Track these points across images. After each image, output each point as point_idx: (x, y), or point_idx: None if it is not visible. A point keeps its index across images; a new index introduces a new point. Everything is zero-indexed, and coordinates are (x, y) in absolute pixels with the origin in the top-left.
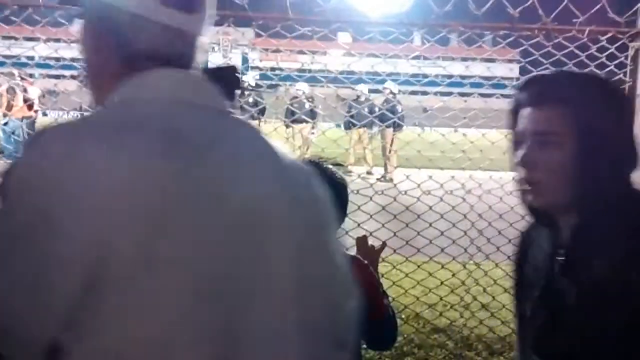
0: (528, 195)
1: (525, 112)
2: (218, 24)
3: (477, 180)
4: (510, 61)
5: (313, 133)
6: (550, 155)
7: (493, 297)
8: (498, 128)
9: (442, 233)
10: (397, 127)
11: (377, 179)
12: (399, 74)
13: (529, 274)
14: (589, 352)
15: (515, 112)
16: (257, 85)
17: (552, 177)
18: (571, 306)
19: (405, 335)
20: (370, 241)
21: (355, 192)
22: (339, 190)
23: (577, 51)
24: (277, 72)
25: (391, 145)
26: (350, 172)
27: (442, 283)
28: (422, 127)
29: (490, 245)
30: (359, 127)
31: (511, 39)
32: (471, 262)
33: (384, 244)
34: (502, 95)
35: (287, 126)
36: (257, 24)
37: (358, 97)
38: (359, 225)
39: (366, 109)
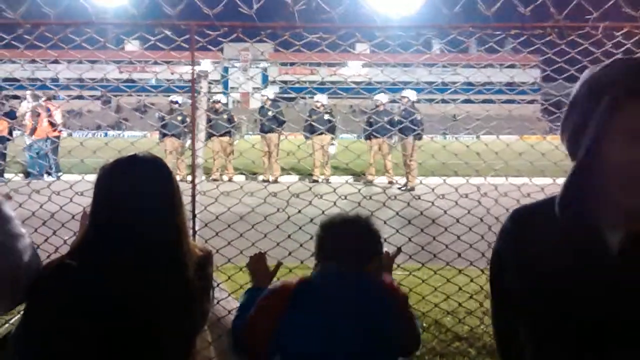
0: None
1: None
2: (228, 35)
3: (494, 185)
4: (530, 66)
5: (333, 144)
6: None
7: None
8: (521, 134)
9: (458, 237)
10: (416, 136)
11: (399, 189)
12: (418, 84)
13: (550, 273)
14: None
15: (613, 107)
16: (276, 100)
17: None
18: None
19: (427, 344)
20: (389, 250)
21: (378, 202)
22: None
23: (591, 48)
24: (297, 85)
25: (411, 154)
26: (371, 182)
27: (460, 289)
28: (444, 136)
29: None
30: (379, 138)
31: (530, 48)
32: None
33: (398, 250)
34: (523, 101)
35: (307, 138)
36: (275, 42)
37: (377, 107)
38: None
39: (385, 119)
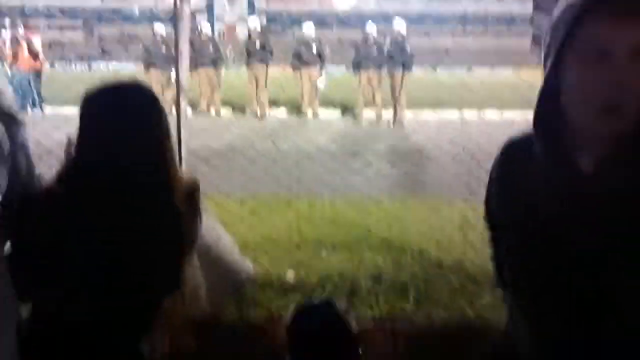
0: (606, 121)
1: (609, 22)
2: None
3: (485, 119)
4: None
5: (322, 78)
6: None
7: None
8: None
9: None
10: (406, 67)
11: (388, 123)
12: (407, 13)
13: (524, 198)
14: None
15: (577, 24)
16: (264, 31)
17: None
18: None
19: (410, 271)
20: (380, 182)
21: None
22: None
23: None
24: (285, 15)
25: (400, 86)
26: (359, 116)
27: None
28: (434, 68)
29: None
30: (368, 70)
31: None
32: (474, 199)
33: None
34: (515, 33)
35: (295, 69)
36: None
37: (366, 38)
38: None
39: (375, 51)
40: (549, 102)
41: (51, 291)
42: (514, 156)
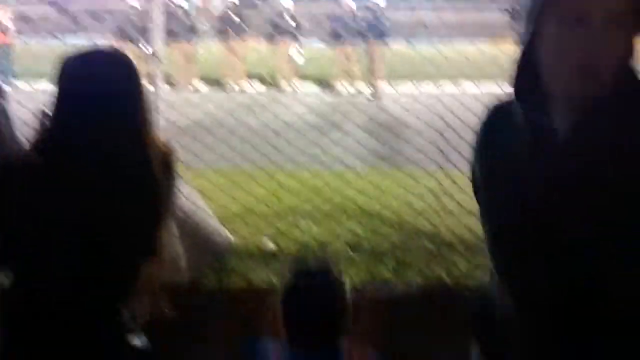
0: (580, 83)
1: None
2: None
3: (462, 90)
4: None
5: (299, 48)
6: (619, 38)
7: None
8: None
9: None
10: (382, 38)
11: (366, 96)
12: None
13: (502, 161)
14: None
15: None
16: (240, 2)
17: (615, 63)
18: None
19: (388, 239)
20: (358, 155)
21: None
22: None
23: None
24: None
25: (378, 59)
26: (337, 91)
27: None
28: (411, 42)
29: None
30: (345, 42)
31: None
32: (450, 169)
33: None
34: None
35: (271, 43)
36: None
37: (343, 11)
38: None
39: (352, 23)
40: (526, 66)
41: (29, 259)
42: (495, 120)
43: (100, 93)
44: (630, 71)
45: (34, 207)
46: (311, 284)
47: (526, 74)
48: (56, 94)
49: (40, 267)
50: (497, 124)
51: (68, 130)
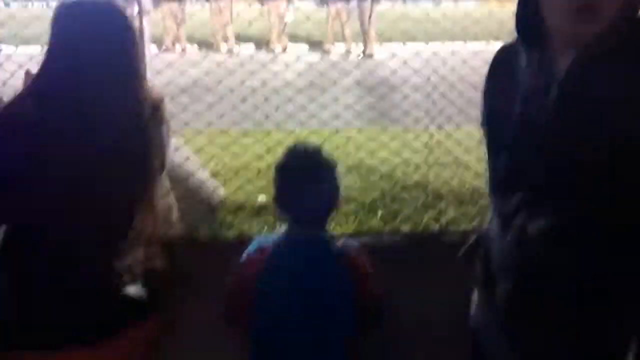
0: (581, 21)
1: None
2: None
3: (450, 50)
4: None
5: (289, 9)
6: None
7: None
8: None
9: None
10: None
11: (357, 56)
12: None
13: (505, 96)
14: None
15: None
16: None
17: (615, 3)
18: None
19: (378, 191)
20: (350, 115)
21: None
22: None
23: None
24: None
25: (369, 20)
26: (328, 51)
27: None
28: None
29: (472, 109)
30: (336, 3)
31: None
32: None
33: None
34: None
35: (262, 3)
36: None
37: None
38: None
39: None
40: (528, 6)
41: (22, 211)
42: (502, 58)
43: (93, 36)
44: (632, 11)
45: (25, 157)
46: (305, 162)
47: (529, 13)
48: (51, 35)
49: (33, 219)
50: (503, 62)
51: (59, 73)
